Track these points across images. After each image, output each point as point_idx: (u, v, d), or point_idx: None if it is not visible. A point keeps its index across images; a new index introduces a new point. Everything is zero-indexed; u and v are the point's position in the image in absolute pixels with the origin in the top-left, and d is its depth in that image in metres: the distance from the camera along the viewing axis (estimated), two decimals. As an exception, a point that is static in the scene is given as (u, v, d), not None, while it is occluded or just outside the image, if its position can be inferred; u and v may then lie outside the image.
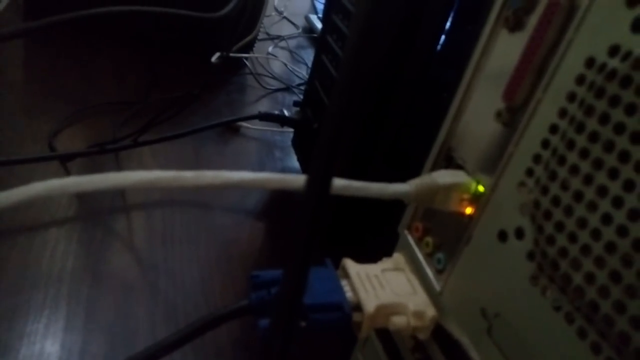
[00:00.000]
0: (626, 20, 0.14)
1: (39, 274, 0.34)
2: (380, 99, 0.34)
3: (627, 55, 0.13)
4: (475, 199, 0.19)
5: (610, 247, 0.13)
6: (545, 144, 0.16)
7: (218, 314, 0.19)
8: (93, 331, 0.31)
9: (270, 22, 0.88)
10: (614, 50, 0.14)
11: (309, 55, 0.82)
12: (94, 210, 0.41)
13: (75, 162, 0.44)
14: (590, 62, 0.15)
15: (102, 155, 0.44)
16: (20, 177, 0.41)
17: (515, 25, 0.17)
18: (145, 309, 0.34)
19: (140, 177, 0.16)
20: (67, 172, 0.43)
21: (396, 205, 0.23)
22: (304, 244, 0.14)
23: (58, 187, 0.16)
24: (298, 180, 0.17)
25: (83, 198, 0.42)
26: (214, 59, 0.52)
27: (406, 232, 0.22)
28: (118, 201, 0.43)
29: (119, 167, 0.46)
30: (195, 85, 0.47)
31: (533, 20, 0.17)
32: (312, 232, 0.14)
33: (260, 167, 0.54)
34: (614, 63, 0.14)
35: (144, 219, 0.42)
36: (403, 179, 0.20)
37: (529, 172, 0.16)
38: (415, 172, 0.21)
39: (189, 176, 0.16)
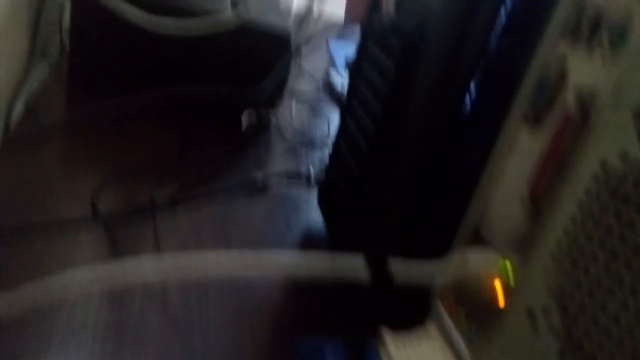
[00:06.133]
0: (633, 130, 0.16)
1: (85, 333, 0.36)
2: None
3: (635, 161, 0.15)
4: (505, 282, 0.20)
5: (629, 332, 0.15)
6: (567, 232, 0.18)
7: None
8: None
9: (291, 77, 0.93)
10: (623, 156, 0.16)
11: (328, 108, 0.85)
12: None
13: (115, 220, 0.47)
14: (603, 164, 0.17)
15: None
16: (68, 233, 0.44)
17: (535, 124, 0.20)
18: (184, 368, 0.35)
19: (213, 262, 0.18)
20: (109, 231, 0.46)
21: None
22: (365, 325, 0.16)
23: (149, 270, 0.18)
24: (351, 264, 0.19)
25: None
26: (244, 123, 0.56)
27: (439, 302, 0.24)
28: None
29: (155, 224, 0.49)
30: (226, 142, 0.50)
31: (551, 122, 0.19)
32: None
33: (287, 224, 0.56)
34: (624, 167, 0.16)
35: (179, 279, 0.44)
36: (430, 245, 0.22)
37: (554, 257, 0.18)
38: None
39: (251, 262, 0.18)
